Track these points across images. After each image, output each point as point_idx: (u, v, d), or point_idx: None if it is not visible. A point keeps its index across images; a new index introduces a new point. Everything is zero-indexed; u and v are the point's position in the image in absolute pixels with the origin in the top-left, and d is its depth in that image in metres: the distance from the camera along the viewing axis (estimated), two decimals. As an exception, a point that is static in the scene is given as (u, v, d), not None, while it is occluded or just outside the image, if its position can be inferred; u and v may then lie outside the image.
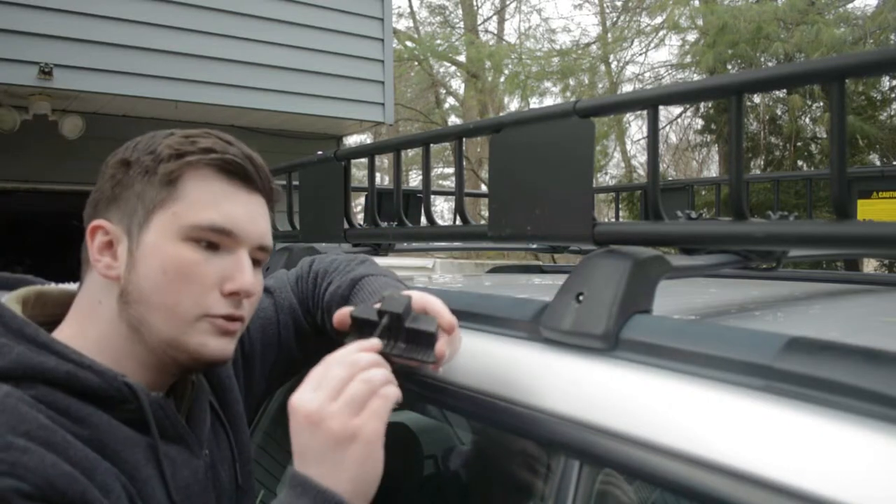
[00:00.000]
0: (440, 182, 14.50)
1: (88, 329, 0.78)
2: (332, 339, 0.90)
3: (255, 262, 0.82)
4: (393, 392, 0.75)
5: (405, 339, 0.80)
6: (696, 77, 9.25)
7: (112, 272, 0.77)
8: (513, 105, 13.55)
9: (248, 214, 0.80)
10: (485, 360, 0.85)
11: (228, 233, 0.78)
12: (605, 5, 13.70)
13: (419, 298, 0.83)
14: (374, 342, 0.79)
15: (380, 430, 0.72)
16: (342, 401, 0.71)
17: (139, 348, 0.77)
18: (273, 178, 0.85)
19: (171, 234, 0.76)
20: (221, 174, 0.79)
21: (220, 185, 0.79)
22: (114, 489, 0.69)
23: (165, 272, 0.75)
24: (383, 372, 0.75)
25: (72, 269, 0.87)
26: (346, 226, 1.32)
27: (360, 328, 0.83)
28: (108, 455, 0.71)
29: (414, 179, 15.35)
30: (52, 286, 0.87)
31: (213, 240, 0.77)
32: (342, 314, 0.88)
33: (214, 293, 0.77)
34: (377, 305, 0.82)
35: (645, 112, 0.80)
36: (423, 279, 1.71)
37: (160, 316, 0.76)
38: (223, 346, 0.79)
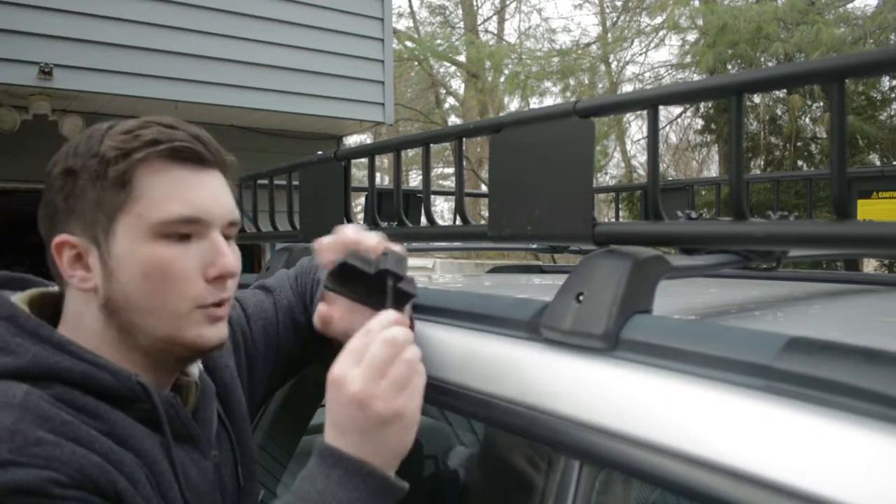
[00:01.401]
0: (440, 182, 14.49)
1: (79, 338, 0.77)
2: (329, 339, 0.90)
3: (227, 238, 0.81)
4: (423, 368, 0.77)
5: (396, 294, 0.82)
6: (696, 77, 9.24)
7: (88, 284, 0.76)
8: (513, 105, 13.56)
9: (211, 195, 0.79)
10: (485, 360, 0.85)
11: (197, 220, 0.76)
12: (605, 5, 13.70)
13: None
14: (403, 317, 0.80)
15: (419, 406, 0.75)
16: (387, 382, 0.73)
17: (132, 353, 0.78)
18: (224, 150, 0.83)
19: (140, 235, 0.75)
20: (173, 162, 0.76)
21: (175, 173, 0.76)
22: (140, 479, 0.71)
23: (147, 275, 0.75)
24: (416, 349, 0.77)
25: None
26: (346, 226, 1.32)
27: (348, 278, 0.83)
28: (129, 448, 0.72)
29: (414, 179, 15.35)
30: (55, 288, 0.87)
31: (185, 231, 0.76)
32: (327, 246, 0.85)
33: (199, 282, 0.77)
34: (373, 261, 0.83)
35: (645, 112, 0.80)
36: (423, 279, 1.71)
37: (153, 318, 0.76)
38: (219, 332, 0.80)
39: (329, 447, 0.72)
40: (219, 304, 0.79)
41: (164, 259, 0.75)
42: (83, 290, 0.77)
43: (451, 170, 14.89)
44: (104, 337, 0.77)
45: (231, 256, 0.79)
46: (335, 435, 0.73)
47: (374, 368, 0.73)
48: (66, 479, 0.64)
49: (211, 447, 0.84)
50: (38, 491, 0.62)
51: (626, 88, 11.49)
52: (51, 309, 0.83)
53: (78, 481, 0.64)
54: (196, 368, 0.88)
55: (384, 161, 7.43)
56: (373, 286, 0.82)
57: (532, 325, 0.83)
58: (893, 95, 8.21)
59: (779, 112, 8.50)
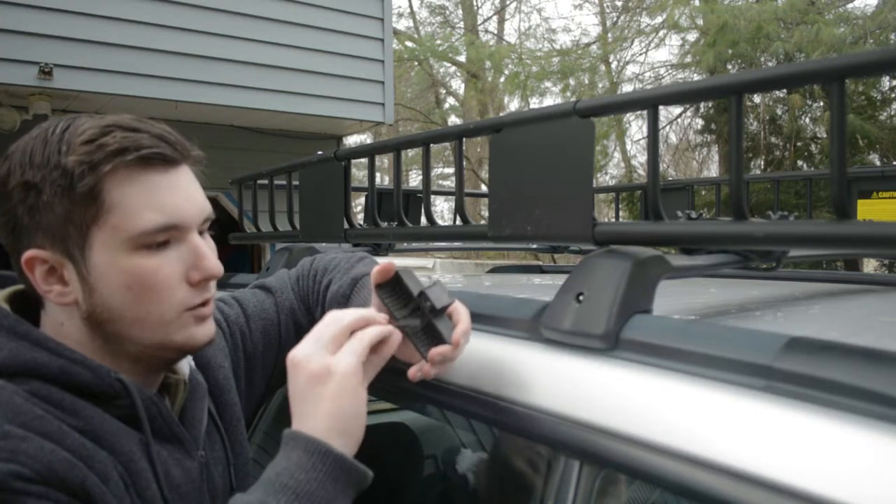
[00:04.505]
0: (440, 182, 14.49)
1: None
2: None
3: (200, 233, 0.80)
4: (371, 332, 0.76)
5: (422, 328, 0.80)
6: (696, 77, 9.24)
7: (67, 298, 0.75)
8: (513, 105, 13.56)
9: (184, 196, 0.77)
10: (485, 360, 0.85)
11: (174, 226, 0.75)
12: (605, 5, 13.70)
13: (455, 306, 0.83)
14: (381, 316, 0.79)
15: (352, 364, 0.73)
16: (320, 342, 0.74)
17: (118, 359, 0.78)
18: (188, 142, 0.79)
19: (118, 248, 0.73)
20: (142, 168, 0.73)
21: (145, 179, 0.74)
22: (111, 477, 0.70)
23: (130, 287, 0.74)
24: (360, 314, 0.77)
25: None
26: (346, 226, 1.32)
27: (394, 289, 0.82)
28: (104, 445, 0.72)
29: (414, 179, 15.35)
30: None
31: (163, 238, 0.75)
32: (386, 268, 0.82)
33: (183, 287, 0.77)
34: (423, 286, 0.82)
35: (645, 112, 0.80)
36: (424, 279, 1.71)
37: (140, 327, 0.76)
38: (207, 330, 0.81)
39: (291, 430, 0.73)
40: (204, 304, 0.79)
41: (147, 270, 0.74)
42: (62, 304, 0.75)
43: (451, 170, 14.90)
44: (88, 346, 0.77)
45: (213, 258, 0.78)
46: (295, 417, 0.74)
47: (313, 335, 0.76)
48: (30, 474, 0.63)
49: (198, 447, 0.84)
50: (0, 484, 0.62)
51: (626, 88, 11.47)
52: (31, 307, 0.81)
53: (43, 476, 0.64)
54: (187, 366, 0.87)
55: (384, 161, 7.44)
56: (411, 310, 0.81)
57: (532, 325, 0.83)
58: (893, 95, 8.21)
59: (779, 112, 8.50)
